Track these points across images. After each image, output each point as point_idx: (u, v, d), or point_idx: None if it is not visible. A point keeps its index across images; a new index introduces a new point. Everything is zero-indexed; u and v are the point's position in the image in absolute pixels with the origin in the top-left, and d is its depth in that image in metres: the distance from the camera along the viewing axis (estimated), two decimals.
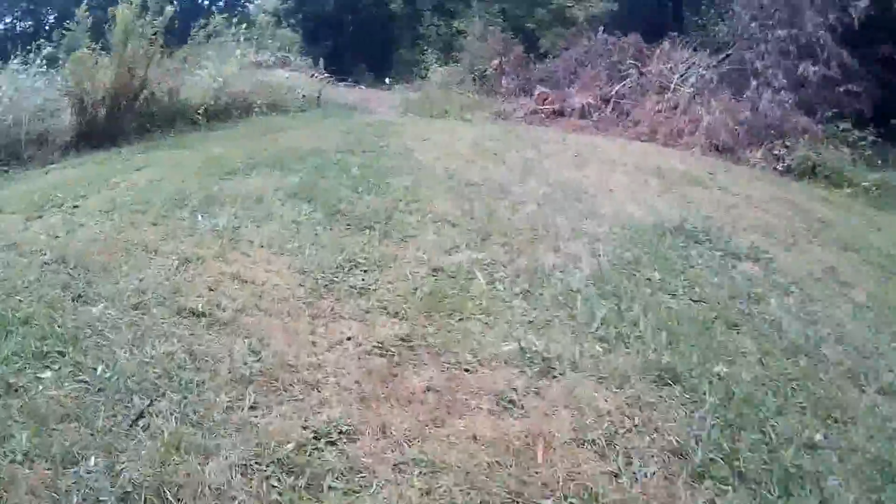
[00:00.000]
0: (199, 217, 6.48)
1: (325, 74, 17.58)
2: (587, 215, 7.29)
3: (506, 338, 4.52)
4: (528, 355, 4.28)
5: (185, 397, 3.56)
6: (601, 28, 16.52)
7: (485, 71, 17.29)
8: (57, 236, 5.70)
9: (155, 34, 11.20)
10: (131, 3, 10.65)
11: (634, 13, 19.76)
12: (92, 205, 6.77)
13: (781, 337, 4.96)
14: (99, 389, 3.53)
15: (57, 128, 10.83)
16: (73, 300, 4.48)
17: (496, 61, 17.14)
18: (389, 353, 4.24)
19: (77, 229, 5.99)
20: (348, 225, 6.45)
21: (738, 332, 4.97)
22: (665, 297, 5.45)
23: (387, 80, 20.36)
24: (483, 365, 4.19)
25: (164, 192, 7.21)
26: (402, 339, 4.41)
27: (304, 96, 13.72)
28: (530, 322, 4.79)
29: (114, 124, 10.88)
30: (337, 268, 5.47)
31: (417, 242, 6.10)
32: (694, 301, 5.44)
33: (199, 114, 11.65)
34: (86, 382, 3.57)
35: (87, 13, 11.18)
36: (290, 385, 3.80)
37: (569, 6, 18.12)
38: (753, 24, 13.78)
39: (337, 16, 22.84)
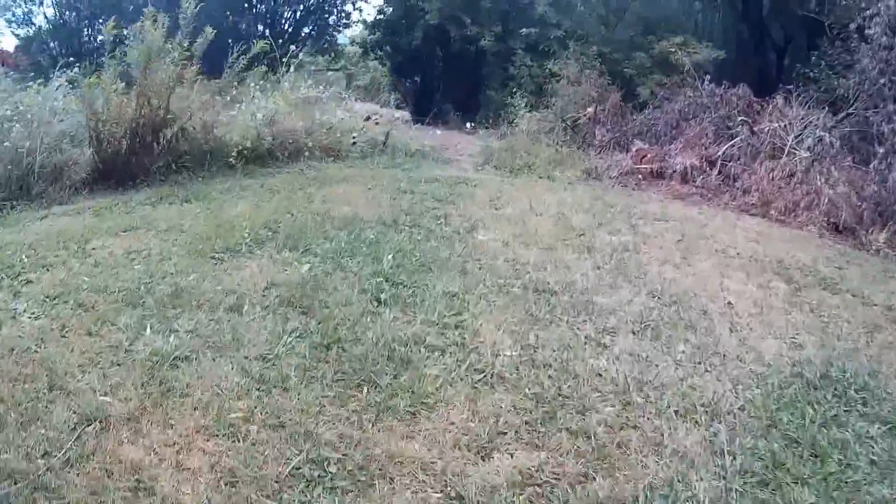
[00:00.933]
0: (146, 331, 4.62)
1: (398, 114, 15.55)
2: (702, 356, 4.86)
3: None
4: None
5: None
6: (706, 77, 14.09)
7: (577, 120, 15.03)
8: None
9: (190, 58, 9.37)
10: (155, 21, 8.78)
11: (742, 63, 17.22)
12: (46, 283, 5.53)
13: None
14: None
15: (76, 162, 9.16)
16: None
17: (590, 109, 14.84)
18: None
19: (5, 322, 4.82)
20: (338, 374, 4.26)
21: None
22: None
23: (468, 125, 18.25)
24: None
25: (130, 275, 5.71)
26: None
27: (354, 141, 11.54)
28: None
29: (135, 162, 9.18)
30: (289, 480, 3.31)
31: (437, 424, 3.81)
32: None
33: (233, 156, 9.72)
34: None
35: (115, 31, 9.31)
36: None
37: (671, 51, 15.65)
38: (882, 80, 11.17)
39: (426, 50, 20.90)
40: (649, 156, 12.50)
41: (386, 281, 5.66)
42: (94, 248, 6.38)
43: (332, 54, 23.62)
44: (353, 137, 11.34)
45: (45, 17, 19.29)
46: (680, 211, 9.58)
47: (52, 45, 18.90)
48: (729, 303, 6.04)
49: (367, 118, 11.54)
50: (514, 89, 16.94)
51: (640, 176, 12.11)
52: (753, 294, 6.36)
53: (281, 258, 6.12)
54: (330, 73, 26.83)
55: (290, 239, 6.57)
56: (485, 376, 4.32)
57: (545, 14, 17.17)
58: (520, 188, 10.10)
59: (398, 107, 23.94)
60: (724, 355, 4.99)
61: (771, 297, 6.37)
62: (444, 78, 21.62)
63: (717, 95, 13.51)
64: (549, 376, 4.40)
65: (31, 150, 8.60)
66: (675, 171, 11.93)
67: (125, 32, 9.15)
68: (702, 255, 7.32)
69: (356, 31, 23.83)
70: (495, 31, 17.93)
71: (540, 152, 13.33)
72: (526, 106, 16.21)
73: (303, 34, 22.12)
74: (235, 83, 10.85)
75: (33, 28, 19.62)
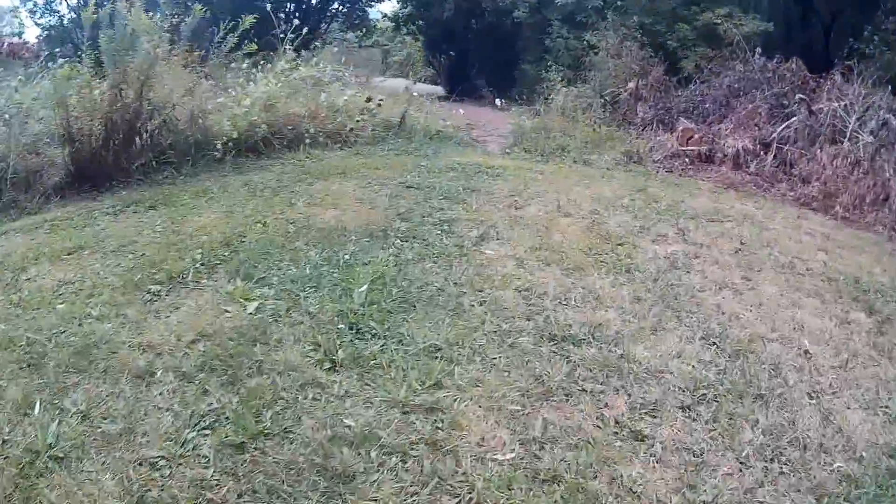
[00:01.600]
0: (35, 410, 3.52)
1: (430, 89, 14.00)
2: (775, 449, 3.34)
3: None
4: None
5: None
6: (758, 50, 12.27)
7: (617, 95, 13.31)
8: None
9: (174, 41, 8.01)
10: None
11: (787, 37, 15.24)
12: None
13: None
14: None
15: (53, 164, 7.87)
16: None
17: (631, 84, 13.11)
18: None
19: None
20: (245, 499, 2.84)
21: None
22: None
23: (498, 101, 16.58)
24: None
25: (47, 321, 4.37)
26: None
27: (352, 127, 9.93)
28: None
29: (112, 161, 7.76)
30: None
31: None
32: None
33: (217, 148, 8.28)
34: None
35: (96, 13, 7.81)
36: None
37: (716, 23, 13.75)
38: None
39: (459, 22, 19.23)
40: (697, 136, 10.80)
41: (350, 329, 4.16)
42: (27, 279, 5.02)
43: (364, 30, 21.99)
44: (358, 121, 9.74)
45: (68, 6, 17.91)
46: (735, 206, 7.90)
47: (76, 35, 17.56)
48: (806, 352, 4.43)
49: (369, 99, 9.81)
50: (550, 63, 15.20)
51: (686, 160, 10.43)
52: (833, 333, 4.76)
53: (229, 291, 4.65)
54: (362, 49, 25.34)
55: (248, 262, 5.12)
56: None
57: None
58: (549, 178, 8.49)
59: (434, 82, 22.38)
60: (805, 445, 3.43)
61: (853, 336, 4.77)
62: (479, 52, 19.96)
63: (770, 70, 11.74)
64: (557, 501, 2.86)
65: (4, 155, 7.30)
66: (725, 156, 10.24)
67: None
68: (766, 273, 5.70)
69: (389, 5, 22.21)
70: (530, 2, 16.17)
71: (576, 132, 11.68)
72: (562, 80, 14.54)
73: (331, 10, 20.50)
74: (226, 66, 9.37)
75: (56, 17, 18.28)
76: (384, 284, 4.78)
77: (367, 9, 21.22)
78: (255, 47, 9.17)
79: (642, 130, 11.90)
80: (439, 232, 5.98)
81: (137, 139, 7.99)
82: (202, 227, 6.01)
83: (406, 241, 5.70)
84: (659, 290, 5.09)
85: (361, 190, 7.29)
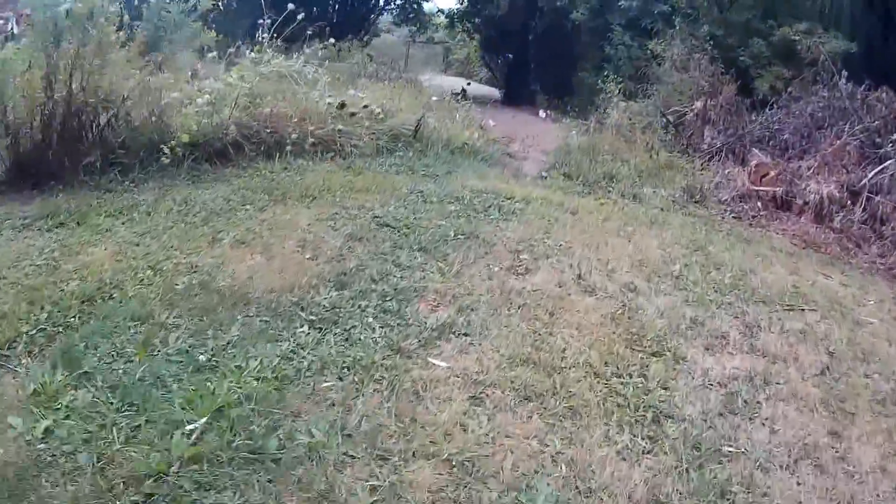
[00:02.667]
0: None
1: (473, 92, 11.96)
2: None
3: None
4: None
5: None
6: (844, 74, 9.81)
7: (682, 115, 11.02)
8: None
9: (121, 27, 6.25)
10: None
11: (873, 58, 12.54)
12: None
13: None
14: None
15: None
16: None
17: (699, 103, 10.80)
18: None
19: None
20: None
21: None
22: None
23: (542, 113, 14.35)
24: None
25: None
26: None
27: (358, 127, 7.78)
28: None
29: (54, 157, 6.25)
30: None
31: None
32: None
33: (165, 155, 6.42)
34: None
35: None
36: None
37: (794, 39, 11.20)
38: None
39: (516, 22, 17.03)
40: (772, 174, 8.50)
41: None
42: None
43: (418, 24, 19.90)
44: (366, 126, 7.68)
45: None
46: (817, 282, 5.63)
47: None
48: None
49: (342, 104, 7.61)
50: (608, 73, 12.90)
51: (759, 203, 8.13)
52: None
53: (37, 388, 2.78)
54: (423, 45, 23.32)
55: (87, 341, 3.16)
56: None
57: None
58: (583, 220, 6.34)
59: (492, 84, 20.23)
60: None
61: None
62: (537, 55, 17.76)
63: (858, 99, 9.33)
64: None
65: None
66: (806, 203, 7.90)
67: None
68: (862, 420, 3.51)
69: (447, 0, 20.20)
70: (590, 4, 13.90)
71: (630, 156, 9.50)
72: (621, 93, 12.28)
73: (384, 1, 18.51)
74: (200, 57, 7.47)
75: None
76: (231, 424, 2.74)
77: (421, 2, 19.10)
78: (215, 35, 7.23)
79: (708, 160, 9.63)
80: (380, 313, 3.93)
81: (87, 135, 6.39)
82: (84, 266, 4.31)
83: (319, 329, 3.69)
84: (701, 474, 2.91)
85: (318, 224, 5.30)
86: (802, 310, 4.90)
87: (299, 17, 7.96)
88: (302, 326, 3.72)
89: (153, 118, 6.67)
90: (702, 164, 9.49)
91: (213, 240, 4.88)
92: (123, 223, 5.21)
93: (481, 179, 7.52)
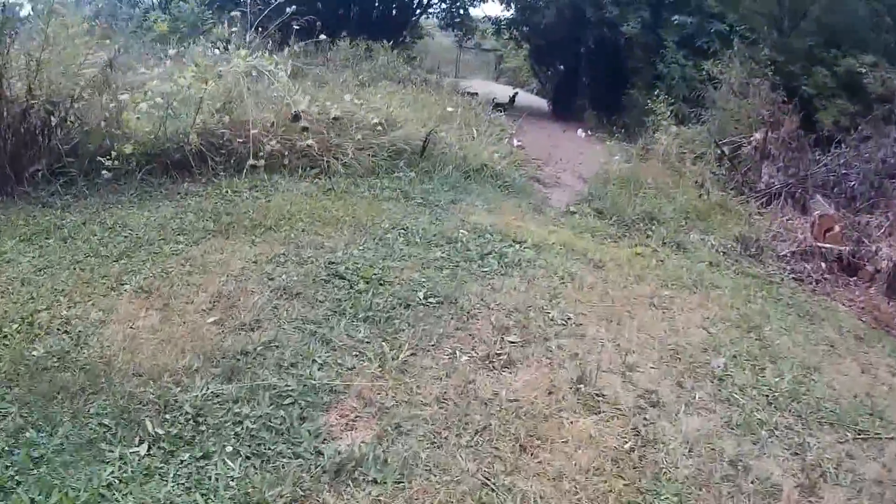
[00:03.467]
0: None
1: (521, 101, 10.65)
2: None
3: None
4: None
5: None
6: None
7: (738, 147, 9.50)
8: None
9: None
10: None
11: None
12: None
13: None
14: None
15: None
16: None
17: (758, 134, 9.27)
18: None
19: None
20: None
21: None
22: None
23: (580, 132, 12.88)
24: None
25: None
26: None
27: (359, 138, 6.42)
28: None
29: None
30: None
31: None
32: None
33: (106, 165, 5.35)
34: None
35: None
36: None
37: (860, 72, 9.57)
38: None
39: (565, 33, 15.61)
40: (837, 229, 7.01)
41: None
42: None
43: (464, 29, 18.54)
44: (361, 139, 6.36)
45: None
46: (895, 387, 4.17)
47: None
48: None
49: (296, 116, 6.12)
50: (661, 92, 11.40)
51: (823, 262, 6.62)
52: None
53: None
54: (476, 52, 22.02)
55: None
56: None
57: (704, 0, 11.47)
58: (608, 278, 4.96)
59: (542, 95, 18.83)
60: None
61: None
62: (588, 69, 16.29)
63: None
64: None
65: None
66: (878, 271, 6.39)
67: None
68: None
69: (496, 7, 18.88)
70: (642, 17, 12.43)
71: (677, 191, 8.06)
72: (671, 115, 10.77)
73: (428, 2, 17.21)
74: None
75: None
76: None
77: (468, 7, 17.75)
78: (164, 27, 6.06)
79: (765, 203, 8.12)
80: (259, 432, 2.68)
81: (32, 141, 5.38)
82: None
83: (163, 451, 2.50)
84: None
85: (252, 269, 4.08)
86: (879, 437, 3.47)
87: (288, 10, 6.66)
88: (141, 444, 2.45)
89: (103, 123, 5.47)
90: (758, 208, 8.00)
91: (117, 284, 3.79)
92: (33, 250, 4.20)
93: (491, 213, 6.17)
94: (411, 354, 3.33)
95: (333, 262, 4.24)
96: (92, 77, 5.41)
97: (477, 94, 13.99)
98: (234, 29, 6.59)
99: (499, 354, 3.47)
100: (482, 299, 4.09)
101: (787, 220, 7.55)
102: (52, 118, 5.40)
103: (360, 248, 4.58)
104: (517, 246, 5.24)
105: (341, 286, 3.96)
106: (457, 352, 3.44)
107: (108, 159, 5.25)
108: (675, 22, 12.05)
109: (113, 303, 3.58)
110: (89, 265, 4.02)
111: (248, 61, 5.70)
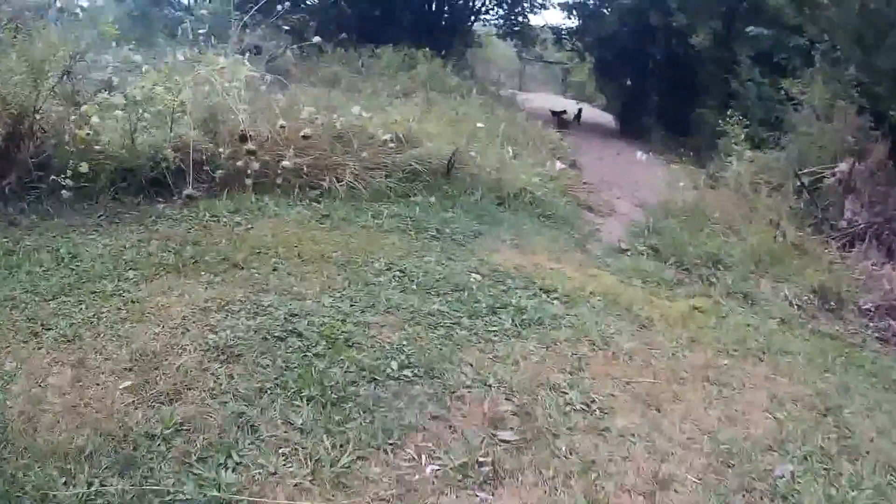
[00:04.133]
0: None
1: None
2: None
3: None
4: None
5: None
6: None
7: (819, 178, 8.42)
8: None
9: None
10: None
11: None
12: None
13: None
14: None
15: None
16: None
17: (844, 165, 8.19)
18: None
19: None
20: None
21: None
22: None
23: (639, 154, 11.90)
24: None
25: None
26: None
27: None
28: None
29: None
30: None
31: None
32: None
33: (64, 185, 4.76)
34: None
35: None
36: None
37: None
38: None
39: (634, 45, 14.71)
40: None
41: None
42: None
43: (523, 39, 17.73)
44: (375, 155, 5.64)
45: None
46: None
47: None
48: None
49: (243, 137, 5.28)
50: (734, 113, 10.38)
51: None
52: None
53: None
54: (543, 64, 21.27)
55: None
56: None
57: (782, 11, 10.34)
58: (653, 342, 4.04)
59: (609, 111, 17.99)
60: None
61: None
62: (657, 85, 15.35)
63: None
64: None
65: None
66: None
67: None
68: None
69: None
70: (713, 27, 11.44)
71: (748, 228, 7.03)
72: (746, 139, 9.74)
73: (484, 7, 16.47)
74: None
75: None
76: None
77: (528, 13, 16.94)
78: (115, 30, 5.54)
79: (848, 246, 7.06)
80: None
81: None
82: None
83: None
84: None
85: (196, 318, 3.42)
86: None
87: (278, 7, 5.98)
88: None
89: (66, 136, 4.87)
90: (839, 251, 6.95)
91: (41, 329, 3.17)
92: None
93: (519, 251, 5.32)
94: (358, 458, 2.51)
95: (295, 315, 3.46)
96: (52, 86, 4.79)
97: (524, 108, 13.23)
98: (201, 31, 5.93)
99: (480, 463, 2.61)
100: (478, 373, 3.26)
101: (871, 266, 6.49)
102: (21, 128, 4.83)
103: (337, 295, 3.80)
104: (543, 296, 4.38)
105: (294, 348, 3.18)
106: (423, 456, 2.60)
107: (63, 178, 4.60)
108: (750, 34, 11.01)
109: (29, 353, 2.97)
110: (23, 302, 3.38)
111: (213, 67, 5.00)
